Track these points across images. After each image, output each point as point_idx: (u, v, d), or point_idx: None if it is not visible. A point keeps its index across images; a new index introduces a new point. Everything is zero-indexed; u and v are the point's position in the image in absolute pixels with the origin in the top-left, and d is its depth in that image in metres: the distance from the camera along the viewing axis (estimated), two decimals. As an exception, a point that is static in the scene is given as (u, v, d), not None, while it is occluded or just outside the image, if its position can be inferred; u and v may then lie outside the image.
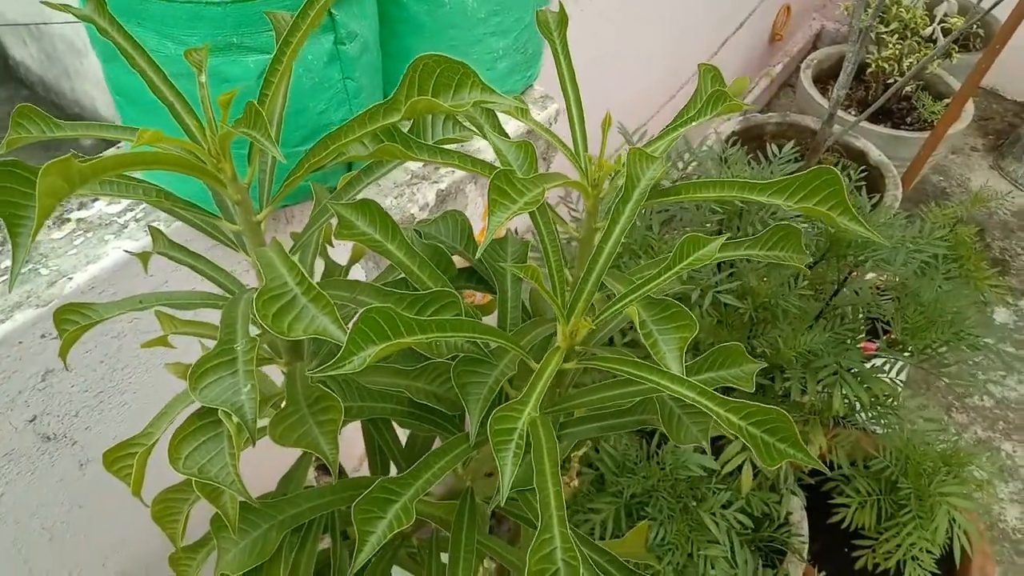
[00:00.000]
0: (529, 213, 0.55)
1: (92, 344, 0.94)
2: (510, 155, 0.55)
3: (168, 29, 0.78)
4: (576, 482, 0.83)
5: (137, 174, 0.97)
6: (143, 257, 0.70)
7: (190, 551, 0.62)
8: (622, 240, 0.57)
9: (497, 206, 0.48)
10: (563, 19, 0.66)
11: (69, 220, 0.96)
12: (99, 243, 0.93)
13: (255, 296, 0.45)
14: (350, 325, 0.45)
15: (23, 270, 0.89)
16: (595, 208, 0.63)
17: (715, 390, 0.51)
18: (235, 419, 0.48)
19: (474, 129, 0.63)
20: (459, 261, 0.73)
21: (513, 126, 1.14)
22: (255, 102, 0.48)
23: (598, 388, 0.60)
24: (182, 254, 0.67)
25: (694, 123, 0.62)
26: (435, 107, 0.47)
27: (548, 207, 0.60)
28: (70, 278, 0.88)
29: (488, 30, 1.07)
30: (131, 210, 0.98)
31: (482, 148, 1.11)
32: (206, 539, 0.62)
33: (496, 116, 0.67)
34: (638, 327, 0.51)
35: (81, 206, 0.98)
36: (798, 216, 1.27)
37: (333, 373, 0.43)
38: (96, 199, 0.99)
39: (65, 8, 0.59)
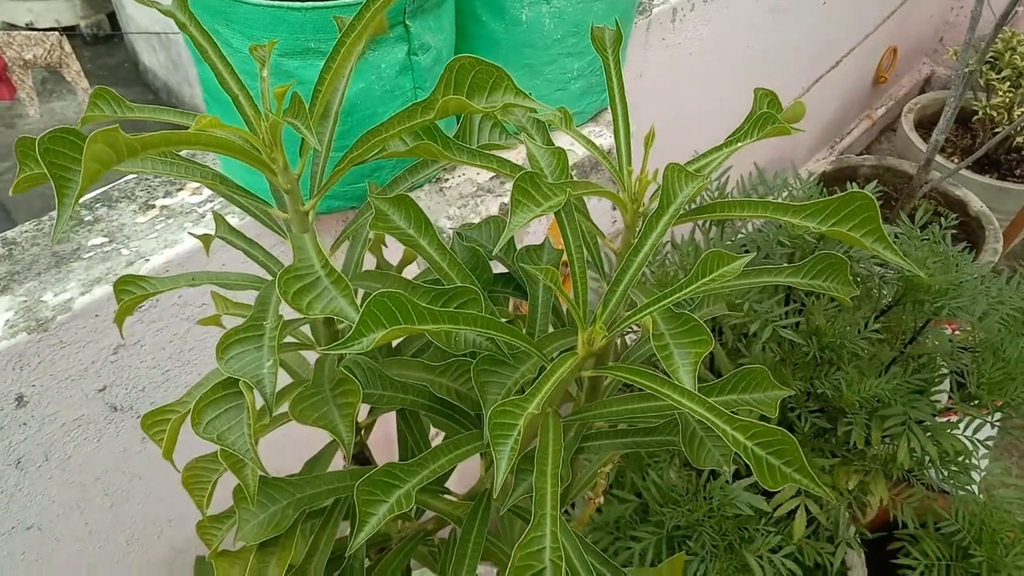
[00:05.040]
0: (556, 218, 0.56)
1: (163, 323, 1.00)
2: (543, 160, 0.56)
3: (252, 31, 0.83)
4: (602, 499, 0.82)
5: (209, 161, 1.01)
6: (205, 240, 0.74)
7: (216, 520, 0.65)
8: (653, 256, 0.57)
9: (519, 206, 0.49)
10: (618, 37, 0.66)
11: (154, 206, 1.02)
12: (178, 229, 0.99)
13: (279, 274, 0.47)
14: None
15: (106, 248, 0.95)
16: (633, 222, 0.63)
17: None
18: (255, 392, 0.50)
19: (520, 139, 0.64)
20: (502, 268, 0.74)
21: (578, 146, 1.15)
22: (299, 93, 0.51)
23: (619, 401, 0.60)
24: (238, 239, 0.70)
25: (739, 144, 0.61)
26: (466, 107, 0.49)
27: (581, 215, 0.60)
28: (147, 259, 0.94)
29: (563, 51, 1.09)
30: (210, 201, 1.04)
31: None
32: (231, 511, 0.65)
33: (546, 128, 0.68)
34: (652, 339, 0.50)
35: (167, 194, 1.05)
36: (873, 257, 1.22)
37: (343, 351, 0.45)
38: (181, 188, 1.05)
39: (151, 3, 0.64)
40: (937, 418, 1.20)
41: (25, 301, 0.88)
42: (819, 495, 0.45)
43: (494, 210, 1.08)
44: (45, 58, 3.19)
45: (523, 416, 0.46)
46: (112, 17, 4.50)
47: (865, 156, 2.21)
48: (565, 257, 0.64)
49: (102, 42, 4.61)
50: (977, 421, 1.22)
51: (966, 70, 1.77)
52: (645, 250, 0.57)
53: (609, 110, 1.26)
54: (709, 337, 0.50)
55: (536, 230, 1.16)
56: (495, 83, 0.50)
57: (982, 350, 1.19)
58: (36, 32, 3.04)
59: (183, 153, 0.87)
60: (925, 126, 2.51)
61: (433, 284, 0.63)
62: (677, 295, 0.51)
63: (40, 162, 0.53)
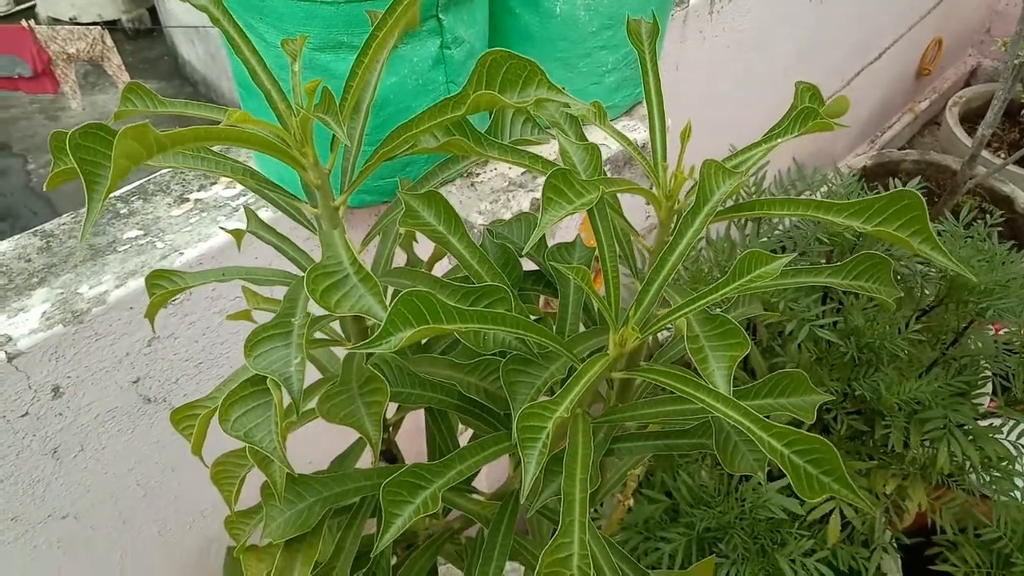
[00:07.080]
0: (588, 215, 0.55)
1: (196, 316, 1.00)
2: (575, 156, 0.55)
3: (285, 25, 0.83)
4: (631, 501, 0.80)
5: (241, 156, 1.01)
6: (237, 235, 0.74)
7: (244, 516, 0.65)
8: (690, 254, 0.55)
9: (551, 204, 0.48)
10: (654, 30, 0.65)
11: (188, 200, 1.03)
12: (211, 223, 0.99)
13: (307, 271, 0.47)
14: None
15: (141, 241, 0.96)
16: (667, 219, 0.61)
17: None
18: (282, 389, 0.50)
19: (552, 133, 0.63)
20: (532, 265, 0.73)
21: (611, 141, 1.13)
22: (329, 88, 0.50)
23: (650, 403, 0.59)
24: (269, 234, 0.70)
25: (780, 140, 0.59)
26: (498, 102, 0.48)
27: (614, 212, 0.59)
28: (181, 253, 0.95)
29: (598, 44, 1.07)
30: (244, 195, 1.04)
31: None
32: (259, 507, 0.65)
33: (579, 124, 0.66)
34: (687, 340, 0.49)
35: (201, 188, 1.05)
36: (915, 255, 1.19)
37: (371, 350, 0.44)
38: (215, 182, 1.06)
39: (185, -2, 0.64)
40: (979, 422, 1.17)
41: (62, 293, 0.89)
42: (859, 505, 0.43)
43: (525, 205, 1.07)
44: (88, 52, 3.24)
45: (552, 419, 0.45)
46: (152, 11, 4.57)
47: (907, 151, 2.15)
48: (597, 253, 0.63)
49: (142, 36, 4.69)
50: (1021, 425, 1.19)
51: (1016, 62, 1.72)
52: (680, 249, 0.56)
53: (644, 104, 1.24)
54: (745, 340, 0.48)
55: (568, 226, 1.15)
56: (528, 78, 0.49)
57: (1028, 353, 1.15)
58: (79, 27, 3.09)
59: (216, 148, 0.87)
60: (970, 120, 2.44)
61: (463, 282, 0.62)
62: (712, 296, 0.50)
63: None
